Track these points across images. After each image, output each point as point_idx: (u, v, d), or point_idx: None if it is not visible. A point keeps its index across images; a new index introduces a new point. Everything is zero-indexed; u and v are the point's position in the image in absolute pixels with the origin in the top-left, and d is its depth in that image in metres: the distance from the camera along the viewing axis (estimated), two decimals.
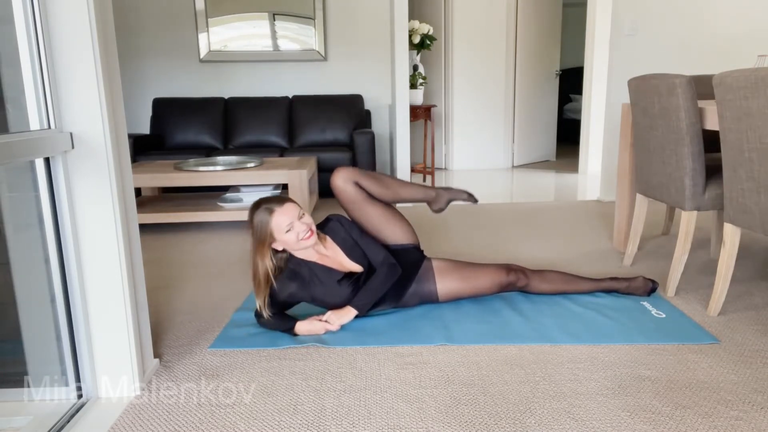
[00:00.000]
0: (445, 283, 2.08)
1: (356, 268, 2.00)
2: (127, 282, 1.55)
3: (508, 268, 2.10)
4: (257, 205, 1.90)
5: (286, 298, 1.94)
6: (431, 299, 2.11)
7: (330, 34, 4.85)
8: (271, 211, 1.86)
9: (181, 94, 4.82)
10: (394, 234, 2.10)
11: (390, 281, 1.98)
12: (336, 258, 2.00)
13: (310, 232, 1.88)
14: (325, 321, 1.93)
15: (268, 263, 1.89)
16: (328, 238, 2.01)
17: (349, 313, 1.95)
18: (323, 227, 2.02)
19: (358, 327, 1.99)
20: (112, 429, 1.44)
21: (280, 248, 1.91)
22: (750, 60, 3.30)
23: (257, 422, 1.45)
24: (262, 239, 1.87)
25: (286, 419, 1.46)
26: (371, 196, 2.06)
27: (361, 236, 2.03)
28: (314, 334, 1.92)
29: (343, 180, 2.02)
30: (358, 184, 2.04)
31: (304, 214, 1.90)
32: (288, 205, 1.88)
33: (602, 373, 1.65)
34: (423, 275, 2.08)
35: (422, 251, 2.16)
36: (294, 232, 1.85)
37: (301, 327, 1.93)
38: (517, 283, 2.10)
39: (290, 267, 1.95)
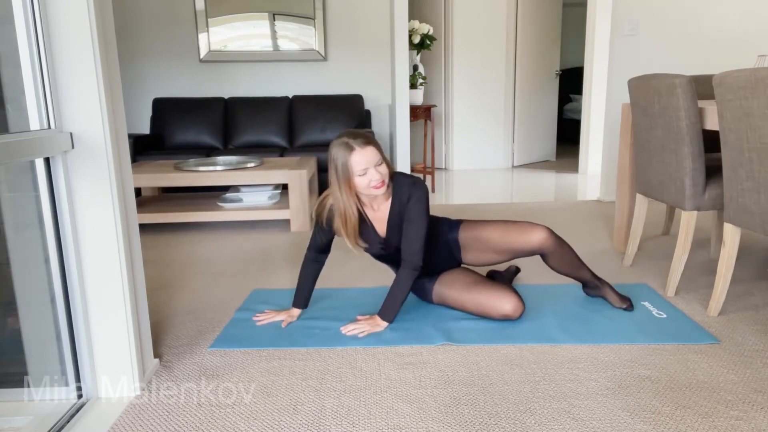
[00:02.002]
0: (443, 292, 2.06)
1: (382, 232, 1.97)
2: (127, 282, 1.55)
3: (511, 299, 1.94)
4: (340, 137, 1.84)
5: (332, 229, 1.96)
6: (423, 296, 2.12)
7: (330, 34, 4.85)
8: (351, 149, 1.79)
9: (181, 94, 4.82)
10: (474, 259, 2.10)
11: (410, 286, 1.95)
12: (381, 220, 1.96)
13: (381, 182, 1.82)
14: (354, 328, 1.94)
15: (354, 202, 1.86)
16: (390, 199, 1.94)
17: (381, 325, 1.95)
18: (397, 184, 1.92)
19: None
20: (112, 429, 1.44)
21: (357, 187, 1.87)
22: (750, 60, 3.30)
23: (257, 422, 1.45)
24: (346, 176, 1.82)
25: (286, 419, 1.46)
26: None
27: (416, 218, 1.90)
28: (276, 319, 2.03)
29: (541, 241, 1.96)
30: (545, 255, 2.01)
31: (382, 162, 1.83)
32: (369, 149, 1.80)
33: (602, 373, 1.65)
34: (432, 278, 2.10)
35: (459, 266, 2.15)
36: (367, 177, 1.81)
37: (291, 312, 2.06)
38: (514, 318, 1.99)
39: None
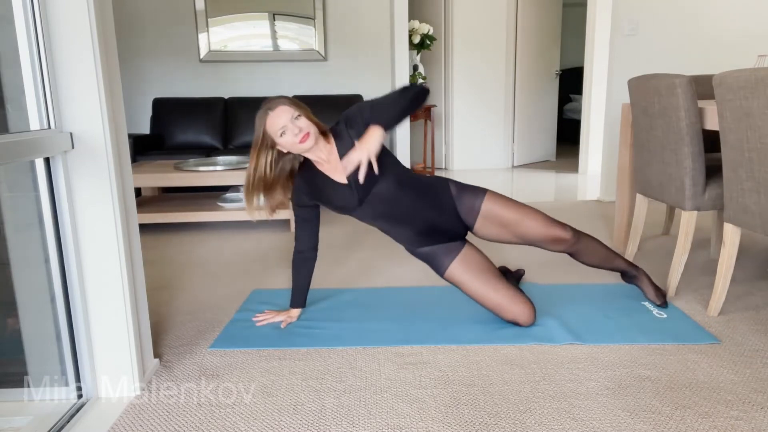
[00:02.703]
0: (461, 275, 1.96)
1: (343, 180, 1.87)
2: (127, 282, 1.55)
3: (528, 308, 1.93)
4: (261, 109, 1.81)
5: (306, 201, 1.94)
6: (436, 269, 2.01)
7: (330, 34, 4.85)
8: (266, 115, 1.78)
9: (181, 94, 4.82)
10: (482, 230, 2.00)
11: (412, 95, 1.78)
12: (338, 169, 1.88)
13: (305, 134, 1.76)
14: (349, 161, 1.70)
15: (261, 163, 1.82)
16: (332, 141, 1.87)
17: (375, 134, 1.70)
18: (333, 130, 1.89)
19: (358, 327, 2.00)
20: (112, 429, 1.44)
21: (285, 151, 1.83)
22: (750, 60, 3.30)
23: (257, 422, 1.45)
24: (256, 140, 1.81)
25: (286, 419, 1.46)
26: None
27: (368, 107, 1.82)
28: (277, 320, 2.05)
29: (559, 243, 2.00)
30: (573, 255, 2.07)
31: (300, 115, 1.77)
32: (280, 108, 1.76)
33: (602, 373, 1.65)
34: (448, 247, 1.98)
35: (466, 233, 2.03)
36: (289, 135, 1.76)
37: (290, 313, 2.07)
38: (523, 326, 1.96)
39: (303, 170, 1.91)
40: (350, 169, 1.71)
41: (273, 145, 1.82)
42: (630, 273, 2.17)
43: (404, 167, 1.97)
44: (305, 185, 1.91)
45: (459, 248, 1.99)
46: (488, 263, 2.00)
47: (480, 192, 1.99)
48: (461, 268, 1.96)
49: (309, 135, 1.77)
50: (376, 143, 1.70)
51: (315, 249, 2.04)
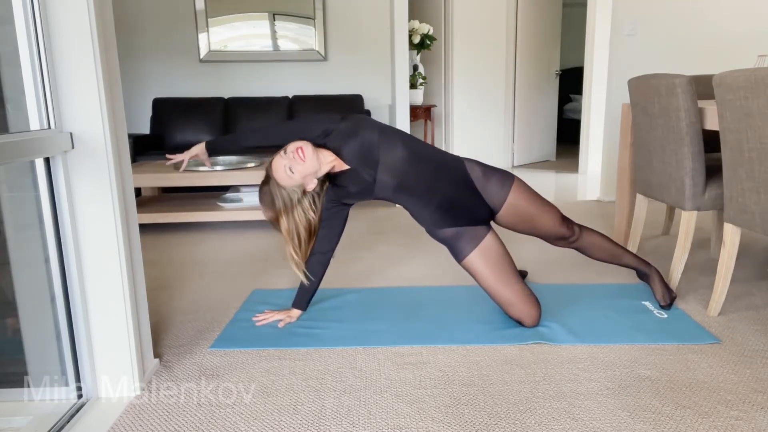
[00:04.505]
0: (479, 265, 1.94)
1: (343, 166, 1.91)
2: (127, 282, 1.55)
3: (537, 310, 1.94)
4: (265, 184, 1.90)
5: (333, 202, 1.97)
6: (455, 254, 1.98)
7: (330, 34, 4.85)
8: (273, 179, 1.86)
9: (181, 94, 4.82)
10: (506, 218, 2.02)
11: (243, 137, 2.10)
12: (341, 164, 1.92)
13: (299, 152, 1.80)
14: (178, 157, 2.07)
15: (300, 219, 1.91)
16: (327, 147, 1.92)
17: (199, 147, 2.10)
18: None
19: (358, 327, 2.00)
20: (112, 429, 1.44)
21: (313, 185, 1.88)
22: (750, 60, 3.30)
23: (257, 422, 1.45)
24: (279, 209, 1.88)
25: (286, 419, 1.46)
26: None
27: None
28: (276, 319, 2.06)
29: (560, 239, 2.09)
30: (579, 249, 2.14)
31: (285, 149, 1.85)
32: (274, 163, 1.86)
33: (602, 373, 1.65)
34: (470, 232, 1.94)
35: (491, 220, 2.02)
36: (293, 165, 1.81)
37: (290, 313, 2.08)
38: (526, 326, 1.96)
39: (328, 186, 1.96)
40: (175, 159, 2.13)
41: (303, 192, 1.88)
42: (641, 271, 2.16)
43: (417, 139, 1.98)
44: (332, 189, 1.95)
45: (482, 235, 1.95)
46: (508, 256, 1.97)
47: (508, 179, 2.02)
48: (481, 258, 1.93)
49: (301, 148, 1.82)
50: (195, 149, 2.10)
51: (326, 253, 2.01)
